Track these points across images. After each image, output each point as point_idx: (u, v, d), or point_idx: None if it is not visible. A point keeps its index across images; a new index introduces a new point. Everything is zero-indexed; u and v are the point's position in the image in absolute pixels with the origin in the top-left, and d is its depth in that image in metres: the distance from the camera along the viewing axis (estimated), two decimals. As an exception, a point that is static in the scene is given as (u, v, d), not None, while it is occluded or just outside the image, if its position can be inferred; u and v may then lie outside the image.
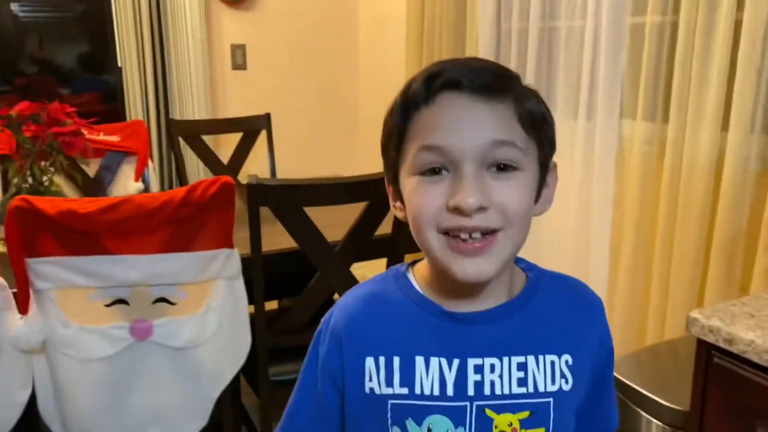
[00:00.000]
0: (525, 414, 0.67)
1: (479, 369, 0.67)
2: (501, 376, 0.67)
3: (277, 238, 1.66)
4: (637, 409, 1.24)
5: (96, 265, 1.36)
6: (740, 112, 1.46)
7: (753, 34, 1.42)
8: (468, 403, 0.67)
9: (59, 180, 1.89)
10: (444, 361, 0.68)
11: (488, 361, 0.68)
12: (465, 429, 0.67)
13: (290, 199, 1.52)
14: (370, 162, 3.20)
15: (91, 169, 2.26)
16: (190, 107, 2.83)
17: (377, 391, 0.69)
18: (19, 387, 1.39)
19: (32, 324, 1.35)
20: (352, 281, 1.68)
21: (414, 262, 0.75)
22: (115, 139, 2.34)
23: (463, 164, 0.62)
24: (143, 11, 2.70)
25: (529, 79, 1.60)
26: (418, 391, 0.67)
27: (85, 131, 1.86)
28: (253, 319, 1.60)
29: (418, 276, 0.73)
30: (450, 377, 0.67)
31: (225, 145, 2.88)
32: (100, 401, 1.42)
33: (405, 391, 0.68)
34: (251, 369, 1.68)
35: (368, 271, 3.66)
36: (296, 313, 1.67)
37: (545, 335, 0.70)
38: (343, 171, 2.50)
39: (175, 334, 1.46)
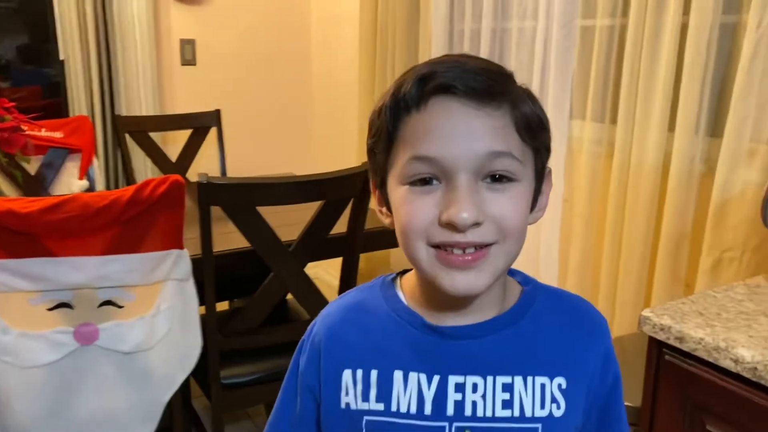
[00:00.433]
0: None
1: (460, 387, 0.63)
2: (484, 397, 0.63)
3: (228, 238, 1.63)
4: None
5: (38, 268, 1.30)
6: (686, 114, 1.50)
7: (698, 37, 1.46)
8: (446, 424, 0.63)
9: (-3, 178, 1.81)
10: (423, 377, 0.64)
11: (470, 380, 0.63)
12: None
13: (243, 198, 1.49)
14: (324, 160, 3.18)
15: (32, 166, 2.17)
16: (138, 103, 2.75)
17: (353, 406, 0.65)
18: (-46, 396, 1.33)
19: (-32, 330, 1.29)
20: (307, 281, 1.66)
21: (404, 272, 0.72)
22: (57, 135, 2.26)
23: (457, 175, 0.58)
24: (87, 2, 2.61)
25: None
26: (394, 407, 0.64)
27: (25, 127, 1.79)
28: (204, 321, 1.57)
29: (405, 286, 0.70)
30: (428, 395, 0.63)
31: (173, 142, 2.81)
32: (44, 410, 1.37)
33: (381, 407, 0.64)
34: (202, 372, 1.65)
35: (322, 269, 3.64)
36: (249, 315, 1.64)
37: (536, 355, 0.65)
38: (296, 169, 2.47)
39: (123, 338, 1.42)
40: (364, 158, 2.52)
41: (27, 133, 1.80)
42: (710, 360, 0.97)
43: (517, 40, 2.02)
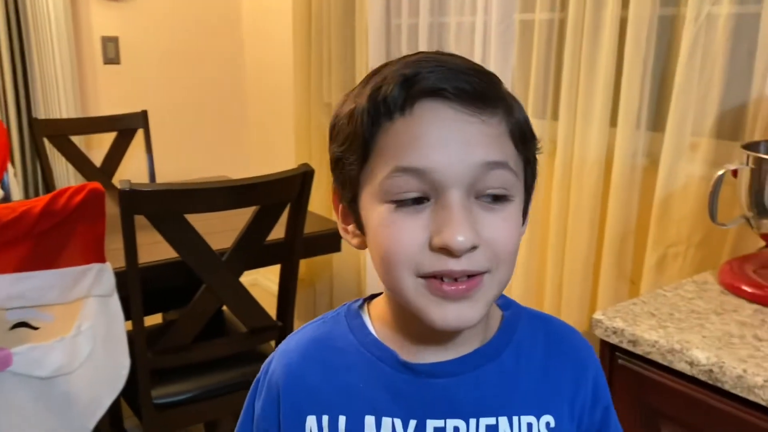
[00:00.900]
0: None
1: None
2: None
3: (156, 248, 1.53)
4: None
5: (-62, 289, 1.18)
6: (627, 108, 1.48)
7: (638, 31, 1.44)
8: None
9: None
10: (398, 422, 0.56)
11: (451, 423, 0.56)
12: None
13: (169, 205, 1.39)
14: (259, 163, 3.07)
15: (-63, 175, 2.00)
16: (57, 105, 2.57)
17: None
18: None
19: None
20: (243, 292, 1.57)
21: (371, 297, 0.64)
22: (-35, 141, 2.08)
23: (450, 191, 0.50)
24: (-4, -2, 2.43)
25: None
26: None
27: (-75, 133, 1.64)
28: (132, 339, 1.46)
29: (374, 314, 0.62)
30: None
31: (98, 146, 2.66)
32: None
33: None
34: (133, 392, 1.54)
35: (261, 276, 3.52)
36: (181, 330, 1.54)
37: (521, 392, 0.58)
38: (231, 173, 2.37)
39: (40, 363, 1.31)
40: (302, 159, 2.43)
41: (-73, 139, 1.65)
42: (665, 363, 0.94)
43: (455, 35, 1.98)
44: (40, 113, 2.56)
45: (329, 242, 1.85)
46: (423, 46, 2.07)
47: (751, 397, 0.84)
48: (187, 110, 3.03)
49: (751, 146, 1.11)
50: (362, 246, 0.58)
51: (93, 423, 1.42)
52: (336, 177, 0.59)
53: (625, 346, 0.98)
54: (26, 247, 1.25)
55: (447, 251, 0.50)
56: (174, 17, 2.93)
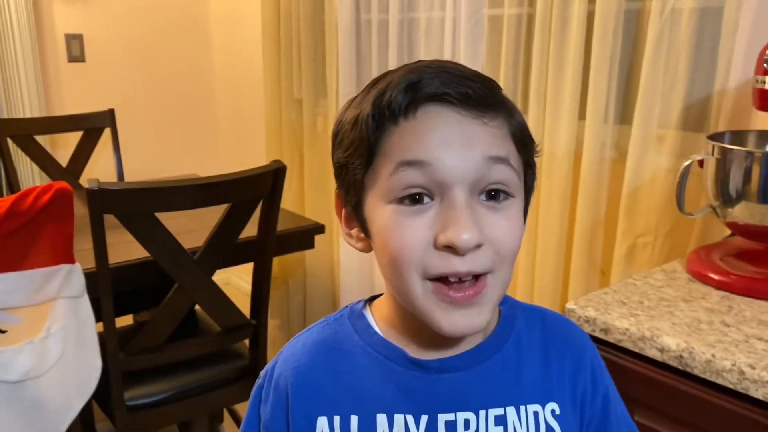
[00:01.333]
0: None
1: (452, 426, 0.57)
2: None
3: (127, 248, 1.50)
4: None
5: None
6: (595, 102, 1.50)
7: (604, 26, 1.46)
8: None
9: None
10: (410, 418, 0.57)
11: (462, 416, 0.57)
12: None
13: (139, 204, 1.37)
14: (230, 160, 3.04)
15: None
16: (20, 104, 2.52)
17: None
18: None
19: None
20: (215, 290, 1.56)
21: (372, 298, 0.65)
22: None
23: (453, 189, 0.52)
24: (-45, -5, 2.37)
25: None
26: None
27: None
28: (104, 340, 1.44)
29: (378, 315, 0.63)
30: None
31: (64, 146, 2.60)
32: None
33: None
34: (105, 394, 1.52)
35: (233, 274, 3.48)
36: (153, 331, 1.52)
37: (525, 381, 0.60)
38: (201, 170, 2.34)
39: (9, 367, 1.28)
40: (273, 156, 2.41)
41: None
42: (636, 350, 0.95)
43: (425, 31, 1.98)
44: (3, 113, 2.50)
45: (302, 239, 1.85)
46: (393, 42, 2.07)
47: (720, 381, 0.86)
48: (155, 108, 2.99)
49: (716, 137, 1.13)
50: (367, 249, 0.60)
51: (64, 427, 1.40)
52: (340, 183, 0.60)
53: (597, 334, 1.00)
54: (-8, 249, 1.22)
55: (452, 249, 0.51)
56: (140, 13, 2.89)
